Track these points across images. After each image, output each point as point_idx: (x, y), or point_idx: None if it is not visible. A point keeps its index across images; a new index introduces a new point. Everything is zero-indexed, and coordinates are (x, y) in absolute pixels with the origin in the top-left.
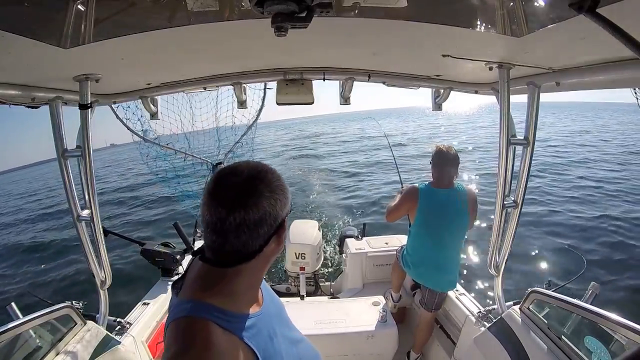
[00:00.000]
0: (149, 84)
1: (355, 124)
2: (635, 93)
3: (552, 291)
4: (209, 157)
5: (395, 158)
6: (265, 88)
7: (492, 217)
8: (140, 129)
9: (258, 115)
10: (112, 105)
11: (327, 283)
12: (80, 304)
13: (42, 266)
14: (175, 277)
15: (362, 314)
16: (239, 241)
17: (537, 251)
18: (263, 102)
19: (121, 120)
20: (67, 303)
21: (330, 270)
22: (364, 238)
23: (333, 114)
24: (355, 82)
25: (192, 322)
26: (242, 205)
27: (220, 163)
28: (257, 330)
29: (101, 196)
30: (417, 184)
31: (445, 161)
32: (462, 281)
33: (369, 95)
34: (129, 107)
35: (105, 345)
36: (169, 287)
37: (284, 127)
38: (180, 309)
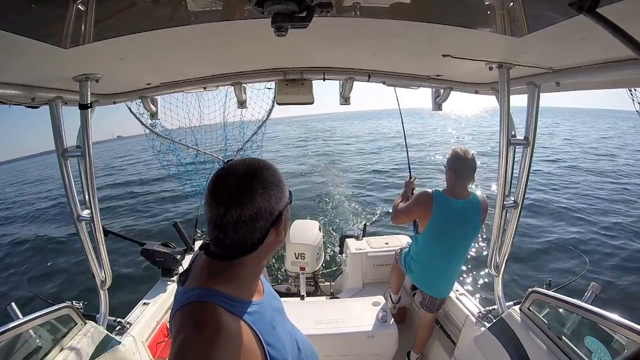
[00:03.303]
0: (149, 84)
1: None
2: (632, 94)
3: (552, 291)
4: (219, 153)
5: (407, 143)
6: (275, 87)
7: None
8: (151, 124)
9: (268, 114)
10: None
11: (327, 283)
12: (81, 304)
13: (49, 264)
14: (176, 277)
15: (362, 314)
16: (237, 235)
17: (539, 251)
18: (274, 102)
19: (135, 116)
20: (67, 303)
21: (330, 270)
22: (364, 238)
23: (336, 113)
24: (355, 82)
25: (202, 306)
26: (238, 203)
27: (231, 160)
28: (259, 316)
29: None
30: (430, 190)
31: (462, 167)
32: (465, 282)
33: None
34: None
35: (105, 345)
36: (169, 287)
37: (293, 123)
38: (187, 295)
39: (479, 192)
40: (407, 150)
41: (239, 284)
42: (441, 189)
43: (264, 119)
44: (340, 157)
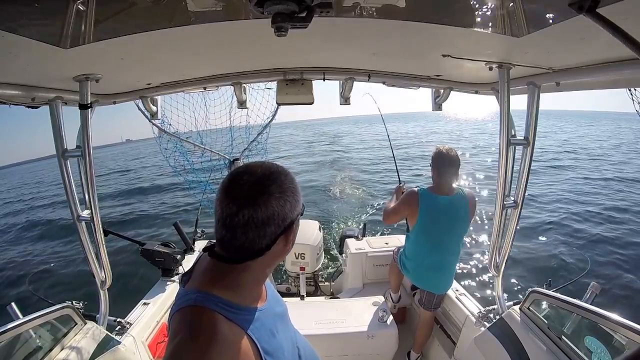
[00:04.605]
0: (149, 84)
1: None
2: (631, 94)
3: (553, 291)
4: (225, 153)
5: (394, 153)
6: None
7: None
8: (160, 123)
9: (274, 115)
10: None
11: (327, 283)
12: (81, 304)
13: (51, 264)
14: (176, 277)
15: (362, 314)
16: (246, 238)
17: (540, 251)
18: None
19: (143, 113)
20: (68, 303)
21: (330, 270)
22: (364, 238)
23: (346, 117)
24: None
25: (199, 311)
26: (252, 203)
27: (237, 159)
28: (260, 323)
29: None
30: (416, 189)
31: (446, 164)
32: (463, 282)
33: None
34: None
35: (105, 345)
36: (169, 287)
37: (300, 127)
38: (186, 298)
39: (466, 189)
40: (394, 158)
41: (241, 290)
42: (427, 187)
43: (270, 119)
44: (342, 159)
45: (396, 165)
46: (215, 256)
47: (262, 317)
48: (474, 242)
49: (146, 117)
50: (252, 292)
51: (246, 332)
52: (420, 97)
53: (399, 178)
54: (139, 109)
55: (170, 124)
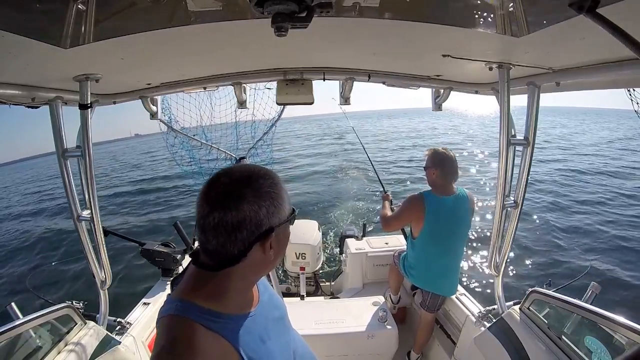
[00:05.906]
0: (149, 84)
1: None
2: (630, 95)
3: (553, 291)
4: (232, 151)
5: (372, 163)
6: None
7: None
8: (167, 119)
9: (280, 113)
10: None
11: (327, 283)
12: (81, 304)
13: (53, 263)
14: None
15: (362, 314)
16: (217, 242)
17: (540, 250)
18: None
19: (147, 109)
20: (68, 303)
21: (330, 270)
22: (364, 238)
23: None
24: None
25: (176, 321)
26: (222, 207)
27: (243, 157)
28: (246, 331)
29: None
30: (417, 193)
31: (448, 166)
32: (465, 282)
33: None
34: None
35: (105, 345)
36: (169, 287)
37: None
38: (167, 307)
39: (464, 188)
40: (374, 168)
41: (223, 298)
42: (429, 190)
43: (276, 118)
44: (344, 157)
45: (376, 173)
46: (197, 264)
47: (250, 324)
48: (473, 241)
49: (151, 113)
50: (237, 299)
51: (229, 341)
52: (421, 95)
53: (382, 186)
54: (144, 106)
55: (177, 121)
